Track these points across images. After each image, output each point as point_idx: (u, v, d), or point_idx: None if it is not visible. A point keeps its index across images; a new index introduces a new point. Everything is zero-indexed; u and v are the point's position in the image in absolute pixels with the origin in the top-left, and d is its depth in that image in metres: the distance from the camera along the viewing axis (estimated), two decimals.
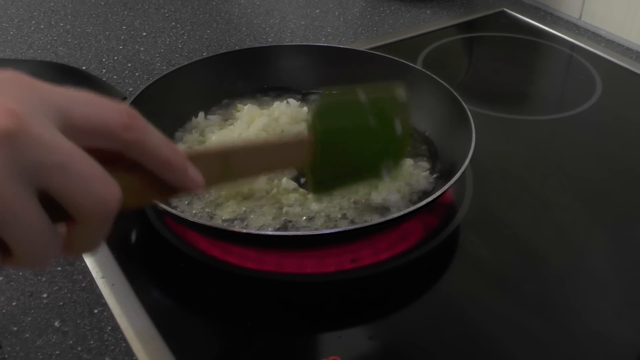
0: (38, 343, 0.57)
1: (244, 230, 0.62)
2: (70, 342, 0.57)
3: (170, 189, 0.41)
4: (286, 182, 0.70)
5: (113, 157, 0.37)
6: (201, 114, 0.81)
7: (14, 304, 0.61)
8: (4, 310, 0.60)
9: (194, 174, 0.41)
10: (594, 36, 1.15)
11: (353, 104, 0.57)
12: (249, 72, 0.89)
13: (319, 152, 0.54)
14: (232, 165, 0.47)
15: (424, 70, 0.83)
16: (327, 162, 0.55)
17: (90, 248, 0.38)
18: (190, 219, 0.63)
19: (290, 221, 0.66)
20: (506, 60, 1.09)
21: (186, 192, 0.42)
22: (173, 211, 0.62)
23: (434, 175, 0.74)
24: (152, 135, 0.38)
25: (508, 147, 0.86)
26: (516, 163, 0.83)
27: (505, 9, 1.22)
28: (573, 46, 1.11)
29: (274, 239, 0.62)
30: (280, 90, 0.88)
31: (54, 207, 0.34)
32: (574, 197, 0.77)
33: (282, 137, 0.61)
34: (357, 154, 0.57)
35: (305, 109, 0.82)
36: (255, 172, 0.52)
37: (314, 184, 0.58)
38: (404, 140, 0.60)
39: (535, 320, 0.60)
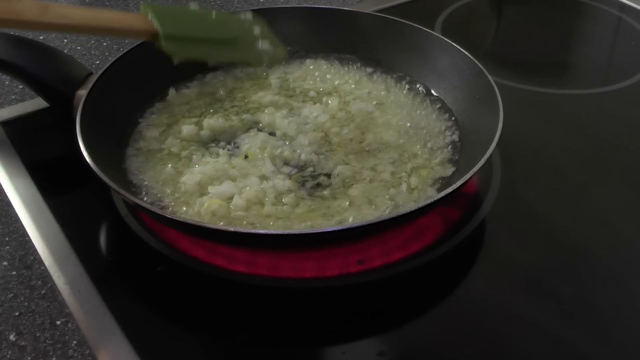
0: None
1: (232, 229, 0.62)
2: (29, 358, 0.58)
3: None
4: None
5: None
6: (172, 91, 0.83)
7: None
8: None
9: None
10: None
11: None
12: None
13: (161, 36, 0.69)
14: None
15: (442, 37, 0.83)
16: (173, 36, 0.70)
17: None
18: (168, 215, 0.63)
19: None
20: (542, 24, 1.09)
21: None
22: (148, 206, 0.62)
23: (455, 160, 0.74)
24: None
25: (543, 126, 0.86)
26: (553, 145, 0.83)
27: None
28: (622, 6, 1.10)
29: (267, 238, 0.62)
30: None
31: None
32: (622, 184, 0.77)
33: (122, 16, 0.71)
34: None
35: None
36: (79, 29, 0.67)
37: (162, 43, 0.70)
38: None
39: (575, 329, 0.60)
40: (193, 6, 0.77)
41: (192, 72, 0.87)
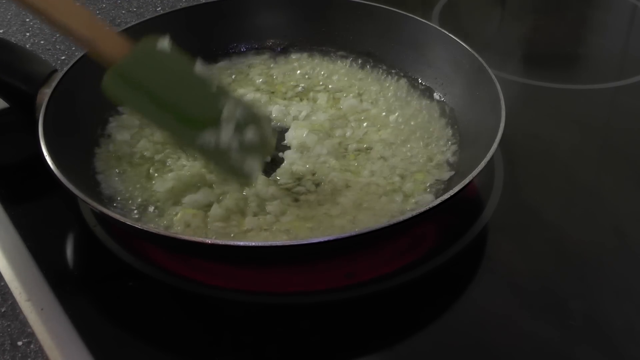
0: None
1: (209, 241, 0.62)
2: None
3: None
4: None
5: None
6: None
7: None
8: None
9: None
10: None
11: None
12: (216, 32, 0.90)
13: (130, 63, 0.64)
14: None
15: (439, 28, 0.84)
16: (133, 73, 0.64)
17: None
18: (139, 225, 0.63)
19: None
20: (549, 13, 1.09)
21: None
22: (118, 216, 0.62)
23: (454, 162, 0.75)
24: None
25: (551, 125, 0.86)
26: (561, 145, 0.83)
27: None
28: None
29: (247, 251, 0.61)
30: (251, 51, 0.91)
31: None
32: (637, 188, 0.78)
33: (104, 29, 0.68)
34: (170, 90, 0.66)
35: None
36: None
37: (108, 76, 0.64)
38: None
39: (585, 346, 0.61)
40: (162, 44, 0.67)
41: None
